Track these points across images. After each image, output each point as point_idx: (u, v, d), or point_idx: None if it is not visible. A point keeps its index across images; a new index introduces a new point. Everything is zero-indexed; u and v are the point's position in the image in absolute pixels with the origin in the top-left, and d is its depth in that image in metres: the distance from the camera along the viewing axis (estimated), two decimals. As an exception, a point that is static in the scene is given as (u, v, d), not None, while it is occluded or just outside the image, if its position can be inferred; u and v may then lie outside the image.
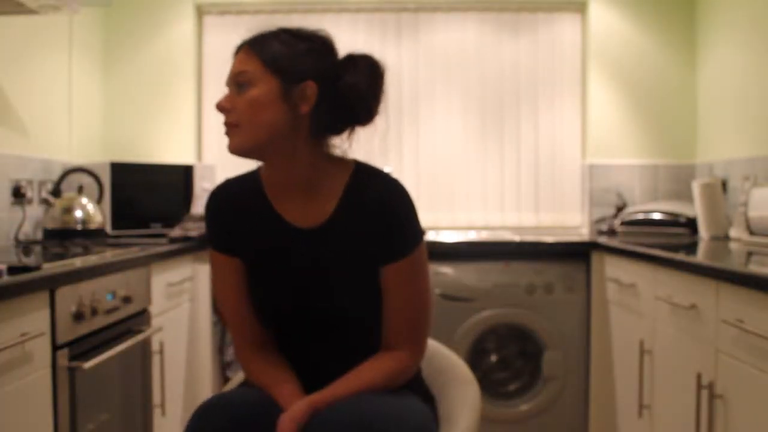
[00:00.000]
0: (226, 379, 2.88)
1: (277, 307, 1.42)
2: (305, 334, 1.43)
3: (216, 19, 3.62)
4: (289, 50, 1.36)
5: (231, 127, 1.35)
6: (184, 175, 3.20)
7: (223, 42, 3.59)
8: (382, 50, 3.51)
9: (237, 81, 1.35)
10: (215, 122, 3.62)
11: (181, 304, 2.67)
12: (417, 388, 1.46)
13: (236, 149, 1.36)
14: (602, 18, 3.47)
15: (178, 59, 3.53)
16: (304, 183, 1.40)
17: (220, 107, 1.36)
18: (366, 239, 1.38)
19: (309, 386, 1.39)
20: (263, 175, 1.46)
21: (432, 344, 1.68)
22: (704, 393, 1.84)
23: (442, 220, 3.54)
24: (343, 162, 1.44)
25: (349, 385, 1.34)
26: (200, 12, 3.61)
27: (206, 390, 2.78)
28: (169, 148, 3.53)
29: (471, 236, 3.20)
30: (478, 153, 3.59)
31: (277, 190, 1.43)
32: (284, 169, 1.40)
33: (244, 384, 1.49)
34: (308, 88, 1.35)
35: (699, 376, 1.88)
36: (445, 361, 1.65)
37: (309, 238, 1.40)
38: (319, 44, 1.39)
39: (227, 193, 1.47)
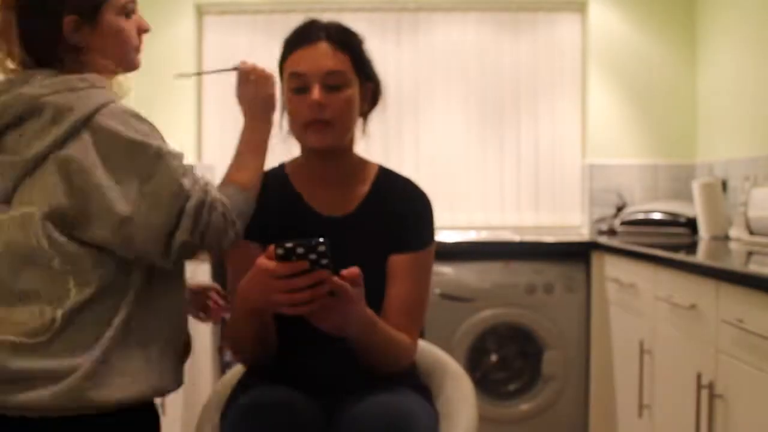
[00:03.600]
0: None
1: None
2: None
3: (216, 19, 3.62)
4: (365, 53, 1.48)
5: (323, 124, 1.41)
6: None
7: (223, 42, 3.59)
8: (382, 50, 3.51)
9: (330, 80, 1.40)
10: (215, 122, 3.62)
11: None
12: (415, 384, 1.49)
13: (331, 145, 1.44)
14: (602, 18, 3.47)
15: (178, 59, 3.53)
16: (340, 178, 1.50)
17: (319, 103, 1.39)
18: (385, 230, 1.46)
19: (314, 377, 1.42)
20: (290, 169, 1.53)
21: (421, 343, 1.72)
22: (704, 393, 1.84)
23: (442, 219, 3.52)
24: (367, 162, 1.55)
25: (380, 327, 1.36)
26: (200, 12, 3.61)
27: (206, 390, 2.78)
28: (169, 148, 3.52)
29: (471, 236, 3.20)
30: (478, 153, 3.59)
31: (307, 183, 1.50)
32: (331, 165, 1.49)
33: (247, 378, 1.49)
34: (369, 89, 1.49)
35: (699, 376, 1.88)
36: (435, 358, 1.67)
37: (335, 225, 1.47)
38: (364, 43, 1.49)
39: None
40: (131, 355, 1.20)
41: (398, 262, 1.46)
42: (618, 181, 3.45)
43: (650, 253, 2.32)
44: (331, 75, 1.40)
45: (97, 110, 1.18)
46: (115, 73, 1.34)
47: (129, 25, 1.31)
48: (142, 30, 1.36)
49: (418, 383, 1.52)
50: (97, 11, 1.25)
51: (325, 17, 1.51)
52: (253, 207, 1.35)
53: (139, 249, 1.19)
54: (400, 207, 1.49)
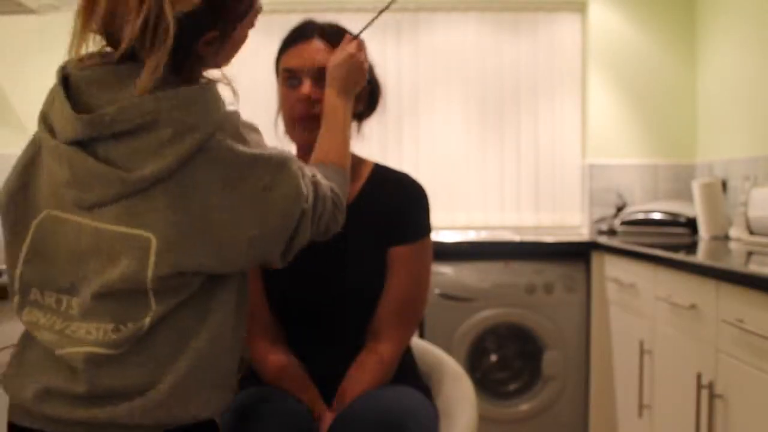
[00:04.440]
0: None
1: (288, 290, 1.45)
2: (313, 317, 1.46)
3: (216, 19, 3.62)
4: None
5: (313, 120, 1.39)
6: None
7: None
8: (382, 50, 3.51)
9: (322, 75, 1.39)
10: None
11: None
12: (415, 382, 1.49)
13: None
14: (602, 18, 3.47)
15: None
16: None
17: (309, 97, 1.38)
18: (380, 224, 1.46)
19: (312, 369, 1.43)
20: None
21: (421, 343, 1.73)
22: (704, 393, 1.84)
23: (442, 219, 3.54)
24: (362, 160, 1.54)
25: (352, 395, 1.37)
26: (200, 12, 3.60)
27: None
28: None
29: (471, 236, 3.20)
30: (478, 153, 3.59)
31: None
32: None
33: (246, 378, 1.49)
34: (365, 91, 1.48)
35: (699, 376, 1.88)
36: (435, 358, 1.68)
37: None
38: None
39: None
40: (211, 369, 1.10)
41: (394, 255, 1.46)
42: (618, 181, 3.46)
43: (650, 253, 2.32)
44: (322, 70, 1.40)
45: (217, 128, 1.07)
46: None
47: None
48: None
49: (419, 383, 1.52)
50: (235, 27, 1.16)
51: (325, 17, 1.52)
52: (349, 187, 1.31)
53: (263, 260, 1.15)
54: (395, 198, 1.48)
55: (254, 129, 1.14)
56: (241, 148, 1.08)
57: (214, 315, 1.11)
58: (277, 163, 1.10)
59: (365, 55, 1.41)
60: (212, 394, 1.11)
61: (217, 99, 1.10)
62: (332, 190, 1.21)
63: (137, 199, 1.04)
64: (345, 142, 1.33)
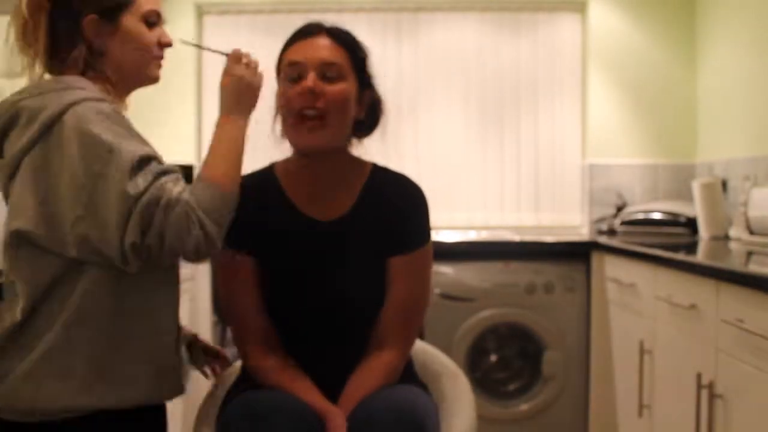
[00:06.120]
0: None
1: (288, 300, 1.44)
2: (313, 327, 1.45)
3: (216, 19, 3.62)
4: (366, 56, 1.46)
5: (317, 117, 1.37)
6: (183, 175, 3.18)
7: (223, 42, 3.58)
8: (382, 50, 3.51)
9: (326, 71, 1.38)
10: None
11: (181, 304, 2.67)
12: (412, 381, 1.49)
13: (323, 145, 1.40)
14: (602, 18, 3.47)
15: (178, 59, 3.51)
16: (331, 179, 1.46)
17: (312, 90, 1.36)
18: (379, 232, 1.44)
19: (313, 377, 1.41)
20: (281, 170, 1.49)
21: (417, 342, 1.73)
22: (704, 393, 1.84)
23: (442, 219, 3.53)
24: (361, 162, 1.51)
25: (358, 396, 1.36)
26: (200, 12, 3.61)
27: (206, 390, 2.77)
28: (169, 148, 3.48)
29: (471, 236, 3.20)
30: (478, 153, 3.59)
31: (298, 185, 1.47)
32: (322, 165, 1.45)
33: (244, 380, 1.49)
34: (367, 95, 1.46)
35: (699, 376, 1.88)
36: (432, 358, 1.68)
37: (327, 230, 1.45)
38: (369, 55, 1.47)
39: (243, 188, 1.44)
40: (76, 358, 1.18)
41: (395, 264, 1.44)
42: (618, 181, 3.45)
43: (650, 253, 2.32)
44: (326, 65, 1.39)
45: (67, 108, 1.16)
46: (131, 86, 1.35)
47: (150, 35, 1.32)
48: (163, 43, 1.37)
49: (416, 381, 1.52)
50: (117, 13, 1.25)
51: (326, 18, 1.51)
52: (232, 204, 1.25)
53: (97, 251, 1.16)
54: (394, 206, 1.46)
55: (119, 121, 1.20)
56: (84, 127, 1.14)
57: (68, 309, 1.18)
58: (107, 149, 1.13)
59: (254, 75, 1.35)
60: (68, 386, 1.18)
61: (71, 87, 1.19)
62: (187, 203, 1.17)
63: (10, 186, 1.21)
64: (230, 160, 1.29)
